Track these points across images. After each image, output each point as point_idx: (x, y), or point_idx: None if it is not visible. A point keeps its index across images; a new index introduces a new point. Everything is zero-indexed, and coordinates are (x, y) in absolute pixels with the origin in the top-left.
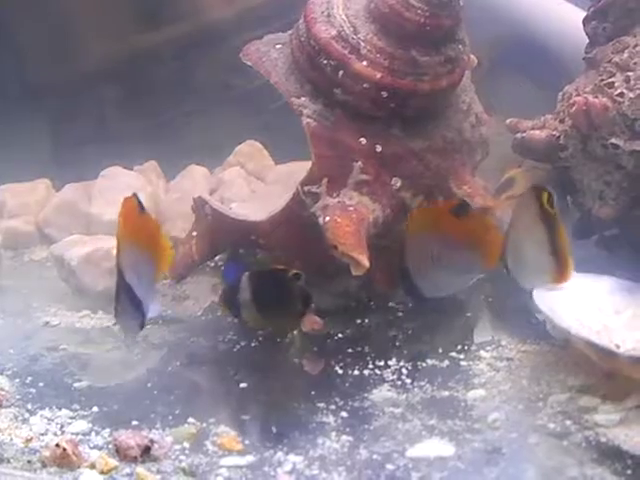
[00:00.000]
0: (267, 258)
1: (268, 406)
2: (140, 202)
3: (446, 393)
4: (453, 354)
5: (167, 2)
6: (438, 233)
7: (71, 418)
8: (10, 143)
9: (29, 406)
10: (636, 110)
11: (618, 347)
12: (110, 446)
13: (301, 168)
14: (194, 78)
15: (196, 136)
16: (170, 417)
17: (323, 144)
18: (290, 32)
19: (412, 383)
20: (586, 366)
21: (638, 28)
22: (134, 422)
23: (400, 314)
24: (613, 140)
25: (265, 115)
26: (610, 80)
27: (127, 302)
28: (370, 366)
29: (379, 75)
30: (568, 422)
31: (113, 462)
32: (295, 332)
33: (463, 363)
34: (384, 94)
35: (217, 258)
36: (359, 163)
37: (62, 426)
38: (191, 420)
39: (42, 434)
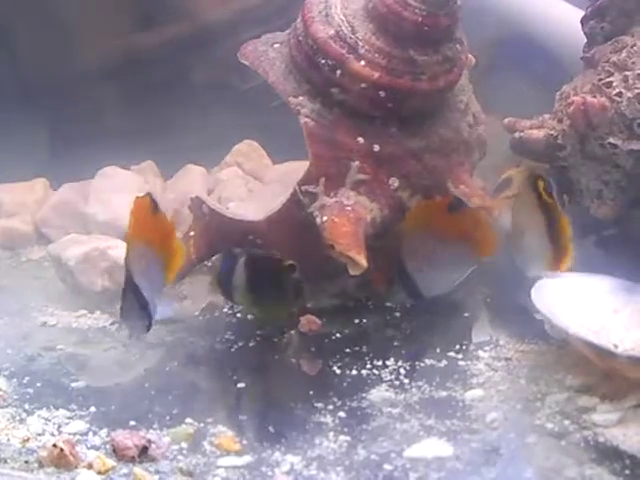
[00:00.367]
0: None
1: (266, 406)
2: (155, 202)
3: (444, 393)
4: (451, 354)
5: (164, 1)
6: (433, 230)
7: (68, 418)
8: (7, 142)
9: (26, 406)
10: (634, 110)
11: (616, 347)
12: (107, 446)
13: (299, 168)
14: (191, 77)
15: (193, 135)
16: (168, 417)
17: (321, 143)
18: (288, 31)
19: (410, 383)
20: (584, 366)
21: (636, 28)
22: (132, 422)
23: (398, 314)
24: (611, 140)
25: (263, 115)
26: (608, 80)
27: (134, 303)
28: (368, 366)
29: (377, 75)
30: (566, 422)
31: (110, 462)
32: (292, 332)
33: (461, 363)
34: (382, 94)
35: (214, 258)
36: (357, 163)
37: (59, 426)
38: (189, 420)
39: (39, 434)
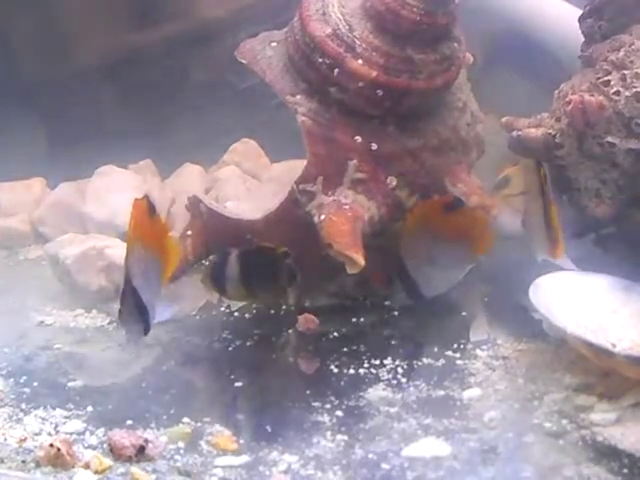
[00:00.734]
0: None
1: (263, 405)
2: (152, 204)
3: (442, 392)
4: (449, 353)
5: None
6: (432, 230)
7: (65, 418)
8: (4, 142)
9: (23, 406)
10: (632, 108)
11: (614, 346)
12: (104, 446)
13: (296, 166)
14: (189, 76)
15: (191, 134)
16: (165, 416)
17: (318, 142)
18: (285, 30)
19: (408, 382)
20: (582, 365)
21: (634, 26)
22: (129, 421)
23: (396, 313)
24: (609, 138)
25: (260, 113)
26: (606, 78)
27: (132, 306)
28: (366, 365)
29: (374, 73)
30: (564, 421)
31: (107, 462)
32: (290, 331)
33: (459, 362)
34: (379, 92)
35: (211, 257)
36: (354, 161)
37: (56, 426)
38: (186, 419)
39: (36, 434)
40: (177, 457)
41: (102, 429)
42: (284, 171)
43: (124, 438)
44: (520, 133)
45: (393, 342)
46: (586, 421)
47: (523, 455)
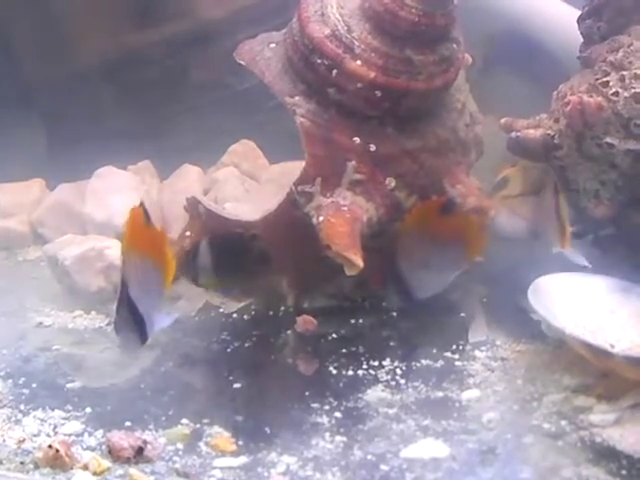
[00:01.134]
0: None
1: (262, 407)
2: (146, 212)
3: (440, 393)
4: (447, 354)
5: (161, 0)
6: (426, 232)
7: (64, 419)
8: (3, 143)
9: (22, 407)
10: (631, 109)
11: (613, 347)
12: (103, 447)
13: (295, 168)
14: (187, 77)
15: (190, 135)
16: (163, 418)
17: (317, 143)
18: (284, 31)
19: (406, 383)
20: (581, 366)
21: (633, 27)
22: (127, 423)
23: (394, 314)
24: (608, 139)
25: (259, 115)
26: (605, 79)
27: (128, 317)
28: (364, 366)
29: (373, 74)
30: (563, 422)
31: (106, 463)
32: (289, 332)
33: (458, 363)
34: (378, 93)
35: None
36: (353, 163)
37: (55, 427)
38: (184, 421)
39: (35, 435)
40: (176, 458)
41: (101, 430)
42: (283, 172)
43: (123, 439)
44: (519, 134)
45: (392, 343)
46: (585, 422)
47: (522, 456)
